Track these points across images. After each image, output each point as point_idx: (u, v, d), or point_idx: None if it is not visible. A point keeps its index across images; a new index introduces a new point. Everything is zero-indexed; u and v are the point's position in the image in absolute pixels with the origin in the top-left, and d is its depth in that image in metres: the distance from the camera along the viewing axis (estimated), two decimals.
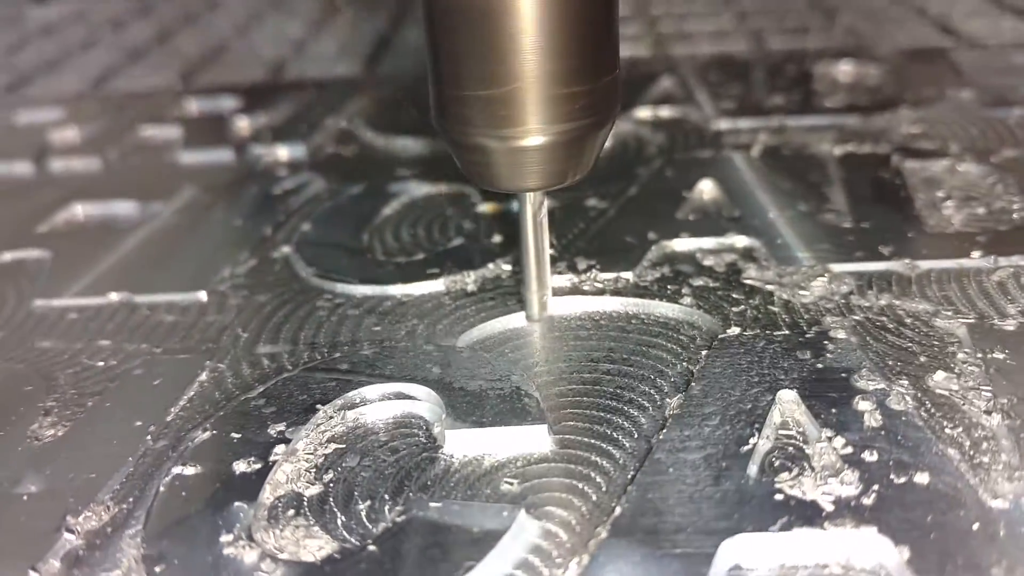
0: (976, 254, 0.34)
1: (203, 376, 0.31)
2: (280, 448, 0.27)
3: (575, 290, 0.34)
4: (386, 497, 0.25)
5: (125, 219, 0.44)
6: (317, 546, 0.24)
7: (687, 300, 0.33)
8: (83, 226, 0.44)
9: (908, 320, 0.31)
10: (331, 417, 0.28)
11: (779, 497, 0.24)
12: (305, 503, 0.25)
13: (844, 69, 0.55)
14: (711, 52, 0.61)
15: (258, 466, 0.26)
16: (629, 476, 0.25)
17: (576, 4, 0.27)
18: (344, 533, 0.24)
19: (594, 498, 0.25)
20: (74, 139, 0.54)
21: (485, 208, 0.41)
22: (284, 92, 0.59)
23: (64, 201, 0.45)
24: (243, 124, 0.54)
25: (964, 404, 0.27)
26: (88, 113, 0.58)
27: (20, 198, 0.47)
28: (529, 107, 0.27)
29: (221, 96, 0.59)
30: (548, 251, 0.32)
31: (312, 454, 0.27)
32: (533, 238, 0.31)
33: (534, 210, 0.31)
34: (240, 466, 0.26)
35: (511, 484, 0.25)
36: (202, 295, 0.36)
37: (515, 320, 0.33)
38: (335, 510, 0.25)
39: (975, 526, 0.23)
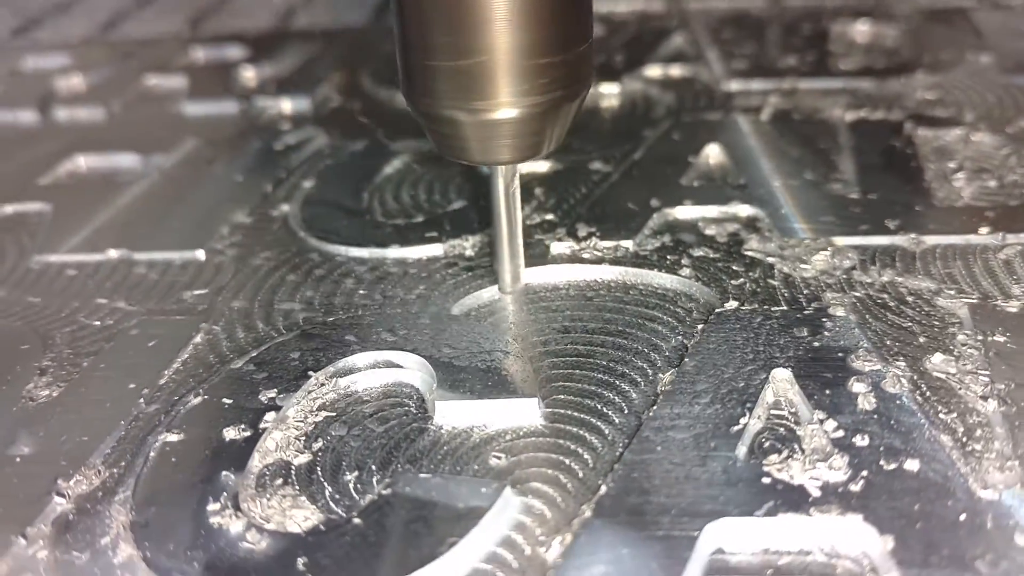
0: (984, 230, 0.34)
1: (197, 339, 0.31)
2: (270, 415, 0.27)
3: (574, 258, 0.34)
4: (374, 468, 0.25)
5: (127, 171, 0.44)
6: (303, 516, 0.24)
7: (686, 271, 0.33)
8: (84, 178, 0.44)
9: (910, 298, 0.31)
10: (322, 384, 0.28)
11: (766, 480, 0.24)
12: (293, 472, 0.25)
13: (861, 29, 0.54)
14: (726, 7, 0.60)
15: (248, 433, 0.26)
16: (616, 454, 0.25)
17: None
18: (331, 504, 0.24)
19: (580, 475, 0.25)
20: (79, 87, 0.54)
21: None
22: (292, 42, 0.59)
23: (67, 152, 0.45)
24: (249, 75, 0.54)
25: (961, 388, 0.27)
26: (94, 60, 0.58)
27: (23, 148, 0.47)
28: (500, 79, 0.27)
29: (228, 45, 0.58)
30: (520, 223, 0.31)
31: (302, 422, 0.27)
32: (505, 210, 0.30)
33: (506, 182, 0.30)
34: (230, 433, 0.26)
35: (499, 458, 0.25)
36: (200, 254, 0.36)
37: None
38: (323, 480, 0.25)
39: (962, 517, 0.23)
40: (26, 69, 0.58)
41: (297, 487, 0.25)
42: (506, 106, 0.27)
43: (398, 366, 0.29)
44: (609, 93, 0.48)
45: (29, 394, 0.29)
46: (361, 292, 0.33)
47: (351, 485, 0.25)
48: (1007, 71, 0.47)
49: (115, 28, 0.65)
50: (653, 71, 0.50)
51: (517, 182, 0.30)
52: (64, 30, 0.65)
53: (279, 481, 0.25)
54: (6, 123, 0.50)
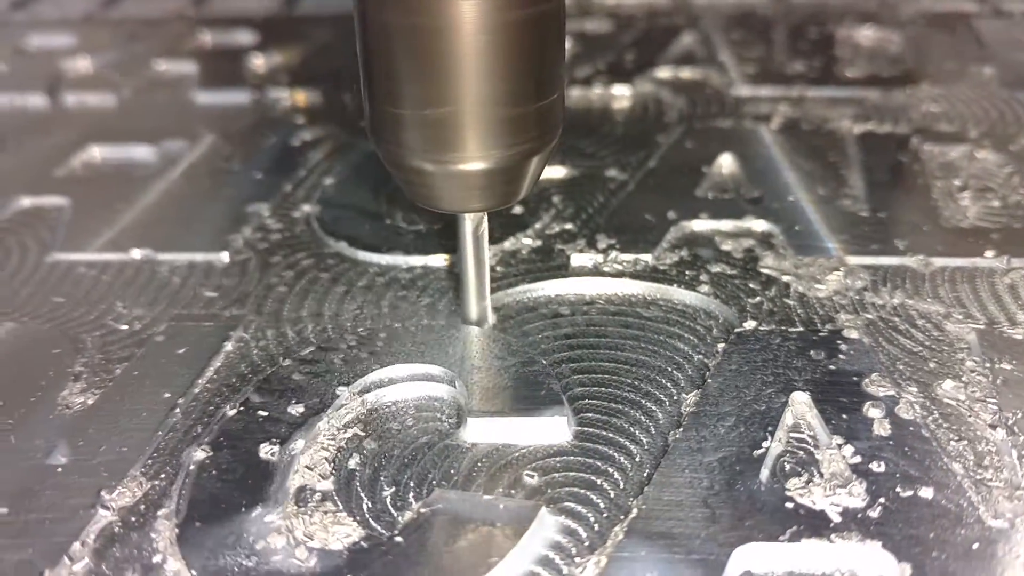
0: (989, 253, 0.35)
1: (228, 346, 0.32)
2: (304, 429, 0.28)
3: (596, 272, 0.35)
4: (411, 484, 0.26)
5: (143, 164, 0.44)
6: (344, 533, 0.25)
7: (705, 288, 0.34)
8: (100, 170, 0.44)
9: (920, 322, 0.32)
10: (353, 398, 0.29)
11: (789, 505, 0.25)
12: (331, 488, 0.26)
13: (866, 34, 0.55)
14: (733, 2, 0.61)
15: (283, 448, 0.27)
16: (646, 475, 0.26)
17: (519, 24, 0.26)
18: (370, 520, 0.25)
19: (612, 495, 0.26)
20: (87, 69, 0.54)
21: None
22: (299, 27, 0.59)
23: (81, 142, 0.45)
24: (259, 62, 0.54)
25: (970, 416, 0.28)
26: (100, 40, 0.57)
27: (36, 135, 0.47)
28: (468, 130, 0.26)
29: (236, 29, 0.58)
30: (487, 265, 0.31)
31: (334, 438, 0.28)
32: (473, 254, 0.30)
33: (474, 226, 0.30)
34: (266, 447, 0.27)
35: (532, 477, 0.26)
36: (224, 256, 0.36)
37: (534, 298, 0.34)
38: (361, 495, 0.26)
39: (975, 546, 0.24)
40: (30, 48, 0.58)
41: (338, 503, 0.26)
42: (475, 158, 0.27)
43: (428, 379, 0.30)
44: (621, 95, 0.49)
45: (65, 401, 0.30)
46: (387, 301, 0.34)
47: (389, 501, 0.26)
48: (1008, 84, 0.48)
49: (116, 4, 0.64)
50: (664, 72, 0.51)
51: (485, 225, 0.30)
52: (64, 5, 0.65)
53: (319, 496, 0.26)
54: (16, 108, 0.50)
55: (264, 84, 0.51)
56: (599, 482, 0.26)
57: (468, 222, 0.30)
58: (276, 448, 0.27)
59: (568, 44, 0.29)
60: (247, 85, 0.51)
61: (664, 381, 0.30)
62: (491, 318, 0.32)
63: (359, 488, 0.26)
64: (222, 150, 0.45)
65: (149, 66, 0.54)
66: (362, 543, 0.24)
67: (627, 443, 0.27)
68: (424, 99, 0.26)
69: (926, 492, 0.25)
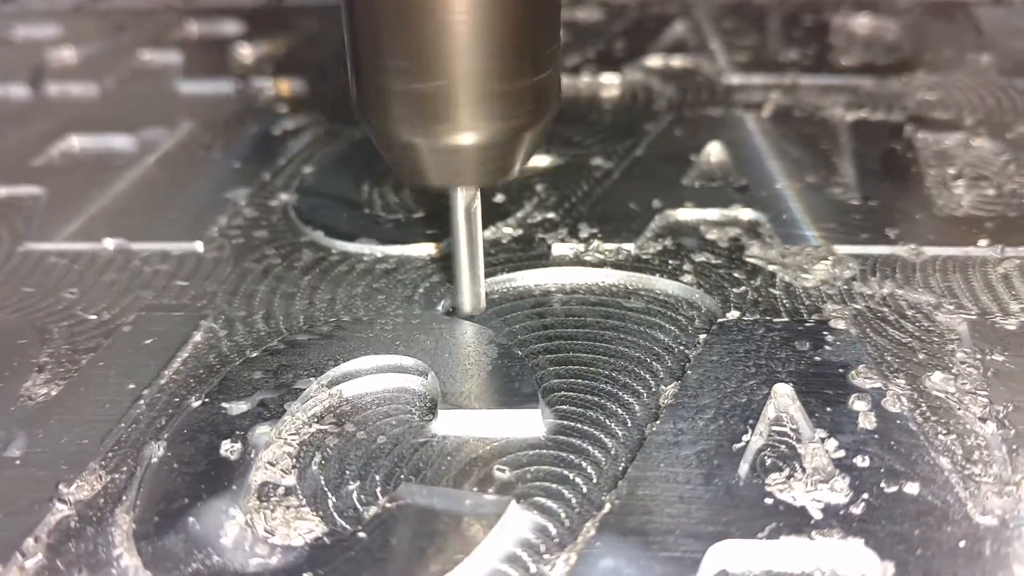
0: (983, 242, 0.34)
1: (197, 337, 0.31)
2: (270, 421, 0.27)
3: (577, 260, 0.34)
4: (377, 479, 0.25)
5: (122, 154, 0.43)
6: (307, 528, 0.24)
7: (688, 277, 0.33)
8: (79, 160, 0.43)
9: (909, 312, 0.31)
10: (321, 391, 0.28)
11: (769, 501, 0.24)
12: (295, 483, 0.25)
13: (862, 22, 0.54)
14: None
15: (247, 441, 0.26)
16: (620, 469, 0.25)
17: None
18: (334, 515, 0.24)
19: (584, 490, 0.25)
20: (71, 60, 0.53)
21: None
22: (287, 18, 0.58)
23: (60, 132, 0.44)
24: (245, 52, 0.53)
25: (960, 408, 0.27)
26: (87, 31, 0.57)
27: (16, 126, 0.46)
28: (461, 104, 0.25)
29: (223, 19, 0.57)
30: (481, 245, 0.30)
31: (300, 431, 0.27)
32: (466, 233, 0.29)
33: (466, 204, 0.29)
34: (229, 441, 0.26)
35: (503, 471, 0.25)
36: (198, 245, 0.36)
37: (513, 288, 0.33)
38: (326, 490, 0.25)
39: (962, 543, 0.23)
40: (16, 39, 0.57)
41: (301, 498, 0.25)
42: (467, 132, 0.26)
43: (400, 371, 0.29)
44: (610, 83, 0.48)
45: (28, 392, 0.29)
46: (362, 292, 0.33)
47: (354, 496, 0.25)
48: (1006, 72, 0.47)
49: None
50: (654, 61, 0.50)
51: (478, 202, 0.29)
52: None
53: (282, 491, 0.25)
54: None
55: (248, 74, 0.50)
56: (572, 477, 0.25)
57: (460, 199, 0.29)
58: (239, 442, 0.26)
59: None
60: (231, 74, 0.50)
61: (643, 373, 0.29)
62: (484, 302, 0.31)
63: (323, 483, 0.25)
64: (202, 139, 0.44)
65: (134, 56, 0.53)
66: (324, 539, 0.24)
67: (602, 436, 0.26)
68: (414, 72, 0.25)
69: (912, 488, 0.24)
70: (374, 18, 0.25)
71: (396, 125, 0.26)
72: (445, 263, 0.34)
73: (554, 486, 0.25)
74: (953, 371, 0.28)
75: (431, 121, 0.26)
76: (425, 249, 0.35)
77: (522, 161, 0.28)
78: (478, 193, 0.29)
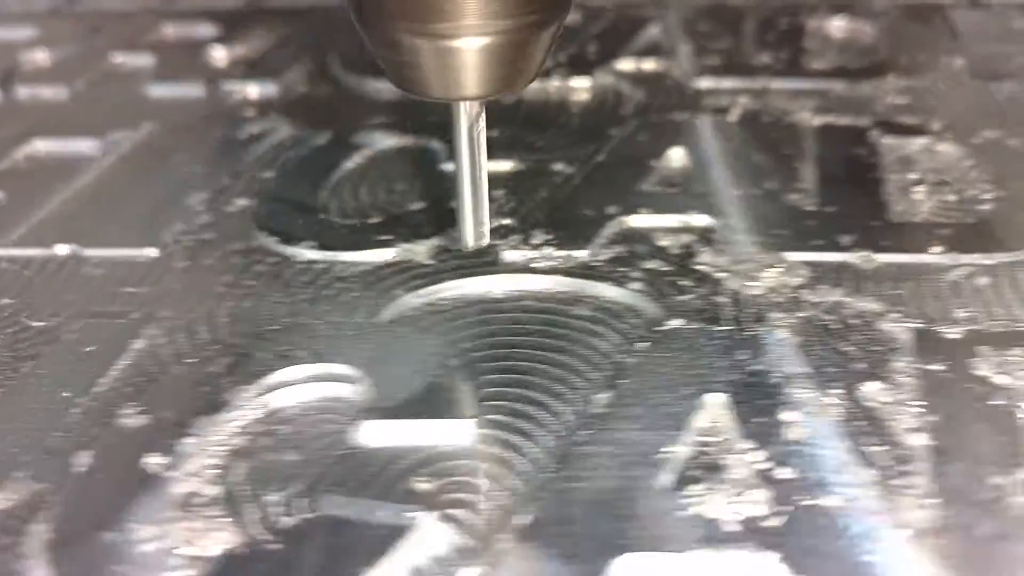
0: (936, 249, 0.34)
1: (138, 344, 0.31)
2: (200, 431, 0.27)
3: (525, 268, 0.34)
4: (300, 489, 0.25)
5: (86, 157, 0.43)
6: (224, 539, 0.24)
7: (635, 285, 0.32)
8: (42, 164, 0.43)
9: (854, 321, 0.30)
10: (253, 399, 0.28)
11: (684, 513, 0.24)
12: (218, 493, 0.25)
13: (837, 25, 0.53)
14: None
15: (175, 451, 0.26)
16: (541, 480, 0.25)
17: None
18: (254, 526, 0.24)
19: (503, 502, 0.25)
20: (44, 63, 0.53)
21: None
22: (263, 21, 0.58)
23: (26, 135, 0.45)
24: (219, 55, 0.53)
25: (892, 420, 0.27)
26: (62, 34, 0.57)
27: None
28: None
29: (199, 22, 0.57)
30: (485, 168, 0.28)
31: (229, 441, 0.27)
32: (468, 154, 0.28)
33: (469, 122, 0.27)
34: (155, 452, 0.26)
35: (426, 482, 0.25)
36: (151, 251, 0.36)
37: (460, 295, 0.33)
38: (248, 502, 0.25)
39: (876, 557, 0.23)
40: None
41: (223, 508, 0.25)
42: (471, 31, 0.24)
43: (332, 380, 0.29)
44: (580, 87, 0.48)
45: None
46: (308, 298, 0.33)
47: (275, 507, 0.25)
48: (979, 76, 0.47)
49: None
50: (626, 64, 0.50)
51: (483, 122, 0.28)
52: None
53: (204, 501, 0.25)
54: None
55: (220, 77, 0.50)
56: (491, 488, 0.25)
57: (463, 116, 0.27)
58: (166, 453, 0.26)
59: None
60: (202, 78, 0.50)
61: (577, 381, 0.29)
62: (488, 235, 0.30)
63: (246, 494, 0.25)
64: (165, 143, 0.44)
65: (106, 59, 0.53)
66: (238, 549, 0.24)
67: (528, 446, 0.26)
68: None
69: (833, 500, 0.24)
70: None
71: (393, 24, 0.24)
72: (393, 270, 0.34)
73: (472, 497, 0.25)
74: (890, 381, 0.28)
75: (433, 18, 0.24)
76: (376, 256, 0.35)
77: (534, 69, 0.26)
78: (482, 113, 0.27)
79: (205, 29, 0.57)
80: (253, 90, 0.49)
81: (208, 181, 0.40)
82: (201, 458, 0.26)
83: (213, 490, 0.25)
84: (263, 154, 0.43)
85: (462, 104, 0.27)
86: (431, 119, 0.43)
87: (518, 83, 0.26)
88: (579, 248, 0.34)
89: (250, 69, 0.51)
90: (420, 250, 0.35)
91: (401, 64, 0.26)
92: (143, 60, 0.53)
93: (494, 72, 0.25)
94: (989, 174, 0.38)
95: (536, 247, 0.35)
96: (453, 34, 0.24)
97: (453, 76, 0.25)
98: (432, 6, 0.24)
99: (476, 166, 0.28)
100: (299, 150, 0.43)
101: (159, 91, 0.49)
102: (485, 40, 0.24)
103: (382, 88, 0.48)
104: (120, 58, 0.53)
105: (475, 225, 0.30)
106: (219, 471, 0.26)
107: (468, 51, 0.24)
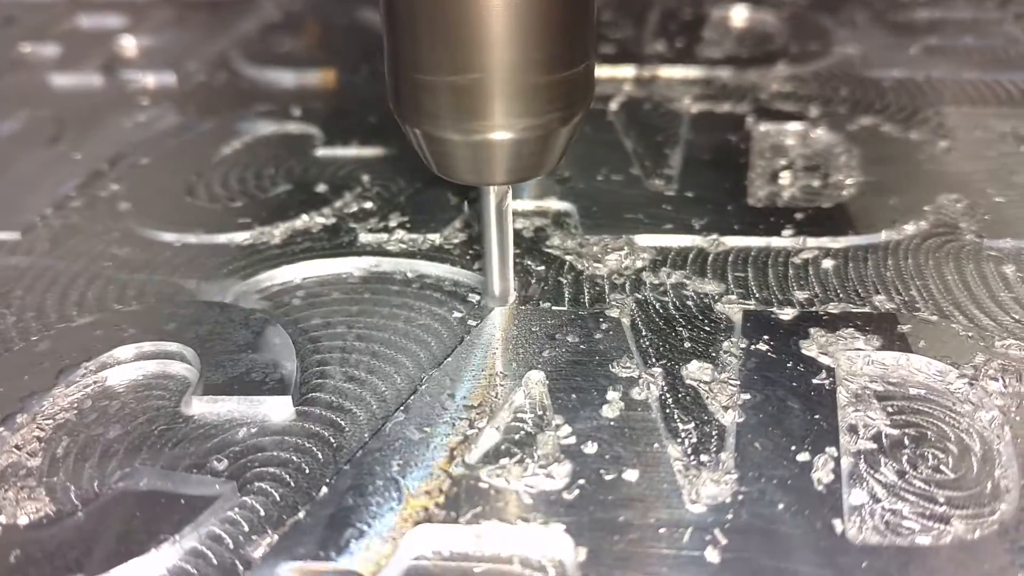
0: (787, 232, 0.34)
1: None
2: (27, 406, 0.27)
3: (378, 251, 0.34)
4: (115, 463, 0.26)
5: None
6: (35, 508, 0.24)
7: (480, 265, 0.33)
8: None
9: (690, 302, 0.31)
10: (83, 377, 0.28)
11: (483, 486, 0.24)
12: (38, 465, 0.26)
13: (739, 14, 0.54)
14: None
15: (4, 424, 0.27)
16: (347, 455, 0.26)
17: None
18: (68, 496, 0.25)
19: (307, 471, 0.25)
20: None
21: None
22: (174, 11, 0.58)
23: None
24: (124, 45, 0.53)
25: (708, 397, 0.27)
26: None
27: None
28: (496, 98, 0.25)
29: (109, 13, 0.58)
30: (511, 240, 0.30)
31: (56, 416, 0.27)
32: (497, 230, 0.29)
33: (498, 199, 0.29)
34: None
35: (239, 456, 0.26)
36: (16, 235, 0.36)
37: (308, 277, 0.33)
38: (64, 473, 0.25)
39: (662, 530, 0.23)
40: None
41: (40, 480, 0.25)
42: (501, 128, 0.26)
43: (163, 357, 0.29)
44: None
45: None
46: (159, 278, 0.33)
47: (89, 478, 0.25)
48: (871, 64, 0.47)
49: None
50: None
51: (510, 198, 0.29)
52: None
53: (22, 473, 0.25)
54: None
55: (121, 67, 0.50)
56: (300, 462, 0.25)
57: (492, 196, 0.29)
58: None
59: None
60: (103, 68, 0.50)
61: (406, 361, 0.29)
62: (512, 295, 0.31)
63: (66, 465, 0.26)
64: (51, 131, 0.44)
65: (14, 48, 0.53)
66: (45, 518, 0.24)
67: (343, 423, 0.27)
68: (450, 65, 0.25)
69: (631, 475, 0.24)
70: (411, 11, 0.25)
71: (429, 119, 0.26)
72: (246, 251, 0.34)
73: (280, 471, 0.25)
74: (713, 360, 0.28)
75: (465, 116, 0.26)
76: (230, 238, 0.35)
77: (556, 158, 0.28)
78: (510, 190, 0.29)
79: (115, 20, 0.57)
80: (151, 80, 0.49)
81: (85, 167, 0.41)
82: (25, 431, 0.27)
83: (34, 462, 0.26)
84: (144, 141, 0.43)
85: (491, 188, 0.28)
86: (315, 105, 0.44)
87: (542, 169, 0.28)
88: (433, 231, 0.35)
89: (152, 59, 0.51)
90: (275, 232, 0.35)
91: (435, 152, 0.27)
92: (49, 50, 0.53)
93: (521, 162, 0.27)
94: (859, 159, 0.39)
95: (391, 230, 0.35)
96: (484, 130, 0.26)
97: (484, 165, 0.27)
98: (465, 106, 0.26)
99: (503, 236, 0.30)
100: (181, 137, 0.43)
101: (60, 80, 0.50)
102: (513, 135, 0.26)
103: (278, 77, 0.49)
104: (28, 47, 0.53)
105: (501, 288, 0.31)
106: (43, 444, 0.26)
107: (497, 144, 0.26)
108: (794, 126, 0.41)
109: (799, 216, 0.35)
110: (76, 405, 0.28)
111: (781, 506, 0.23)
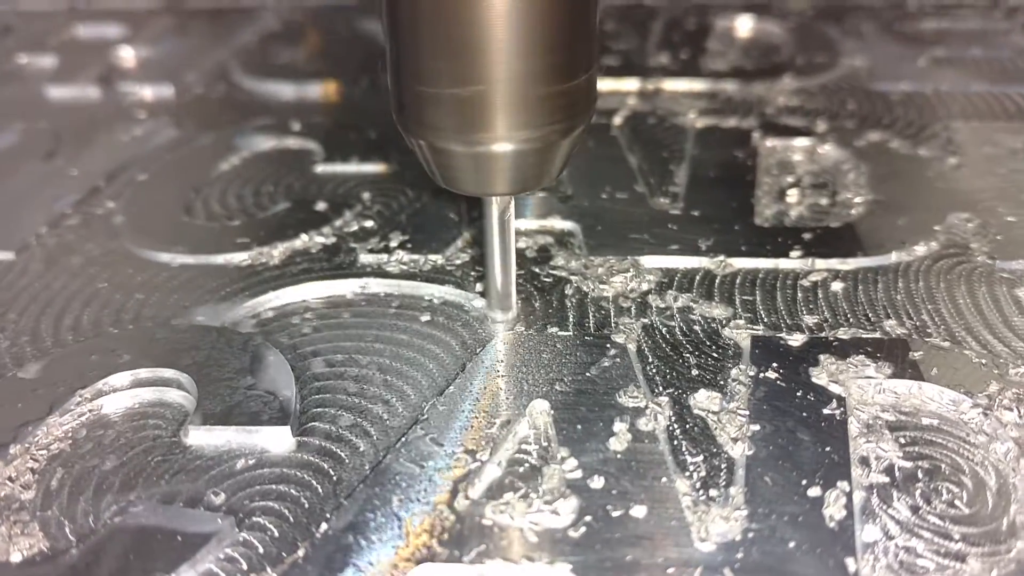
0: (795, 254, 0.33)
1: None
2: (22, 436, 0.27)
3: (379, 272, 0.33)
4: (111, 496, 0.25)
5: None
6: (28, 544, 0.24)
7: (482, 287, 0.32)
8: None
9: (697, 327, 0.30)
10: (77, 405, 0.28)
11: (487, 523, 0.24)
12: (32, 498, 0.25)
13: (744, 25, 0.53)
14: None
15: None
16: (348, 487, 0.25)
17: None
18: (63, 532, 0.24)
19: (306, 505, 0.24)
20: None
21: None
22: (174, 21, 0.57)
23: None
24: (125, 56, 0.53)
25: (716, 428, 0.26)
26: None
27: None
28: (498, 109, 0.25)
29: (108, 23, 0.57)
30: (513, 252, 0.30)
31: (49, 446, 0.27)
32: (499, 241, 0.29)
33: (500, 210, 0.29)
34: None
35: (238, 488, 0.25)
36: (10, 255, 0.35)
37: (305, 299, 0.32)
38: (58, 507, 0.25)
39: (670, 571, 0.22)
40: None
41: (34, 514, 0.25)
42: (503, 139, 0.26)
43: (160, 385, 0.28)
44: None
45: None
46: (155, 302, 0.32)
47: (84, 512, 0.25)
48: (877, 77, 0.46)
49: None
50: None
51: (511, 210, 0.29)
52: None
53: (16, 506, 0.25)
54: None
55: (118, 79, 0.50)
56: (300, 495, 0.25)
57: (494, 206, 0.28)
58: None
59: None
60: (100, 79, 0.50)
61: (407, 388, 0.28)
62: (514, 307, 0.31)
63: (60, 499, 0.25)
64: (48, 145, 0.44)
65: (11, 60, 0.53)
66: (39, 555, 0.23)
67: (344, 454, 0.26)
68: (452, 77, 0.25)
69: (638, 511, 0.24)
70: (413, 24, 0.25)
71: (431, 131, 0.26)
72: (244, 273, 0.34)
73: (278, 505, 0.24)
74: (722, 389, 0.28)
75: (467, 128, 0.26)
76: (229, 258, 0.34)
77: (558, 169, 0.28)
78: (512, 201, 0.29)
79: (114, 30, 0.56)
80: (148, 92, 0.48)
81: (81, 183, 0.40)
82: (19, 463, 0.26)
83: (27, 495, 0.25)
84: (141, 156, 0.42)
85: (494, 198, 0.28)
86: (315, 119, 0.43)
87: (544, 180, 0.28)
88: (435, 252, 0.34)
89: (150, 71, 0.51)
90: (274, 253, 0.35)
91: (439, 164, 0.27)
92: (46, 61, 0.52)
93: (523, 173, 0.27)
94: (867, 176, 0.38)
95: (392, 251, 0.34)
96: (486, 142, 0.26)
97: (485, 176, 0.27)
98: (467, 117, 0.26)
99: (506, 249, 0.30)
100: (178, 152, 0.42)
101: (57, 92, 0.49)
102: (514, 147, 0.26)
103: (277, 90, 0.48)
104: (24, 58, 0.53)
105: (503, 300, 0.31)
106: (36, 476, 0.26)
107: (499, 155, 0.26)
108: (801, 142, 0.41)
109: (807, 236, 0.34)
110: (71, 434, 0.27)
111: (792, 544, 0.23)
